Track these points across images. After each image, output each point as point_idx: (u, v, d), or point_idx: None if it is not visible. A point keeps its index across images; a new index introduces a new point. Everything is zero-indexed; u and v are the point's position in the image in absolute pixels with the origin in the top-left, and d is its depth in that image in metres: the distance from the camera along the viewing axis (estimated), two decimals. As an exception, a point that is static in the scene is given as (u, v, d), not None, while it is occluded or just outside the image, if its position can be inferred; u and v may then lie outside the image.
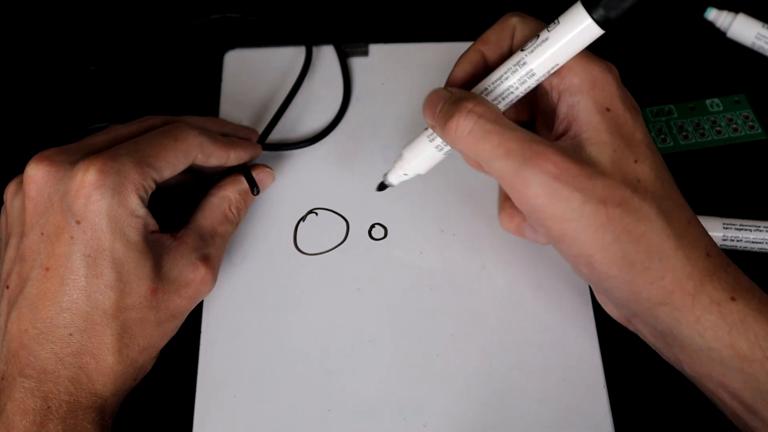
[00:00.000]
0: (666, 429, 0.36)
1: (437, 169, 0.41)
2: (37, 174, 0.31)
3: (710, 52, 0.47)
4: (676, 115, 0.44)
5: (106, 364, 0.31)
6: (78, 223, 0.31)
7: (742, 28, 0.45)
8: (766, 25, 0.45)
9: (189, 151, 0.34)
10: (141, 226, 0.32)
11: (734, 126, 0.43)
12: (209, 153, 0.36)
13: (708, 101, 0.44)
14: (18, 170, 0.35)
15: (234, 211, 0.37)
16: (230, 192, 0.37)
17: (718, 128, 0.43)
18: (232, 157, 0.37)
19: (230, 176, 0.37)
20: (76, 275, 0.31)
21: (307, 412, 0.34)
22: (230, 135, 0.39)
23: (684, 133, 0.43)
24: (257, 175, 0.38)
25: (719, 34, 0.47)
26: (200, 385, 0.35)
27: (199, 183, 0.38)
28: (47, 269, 0.31)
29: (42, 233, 0.31)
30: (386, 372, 0.35)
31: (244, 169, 0.38)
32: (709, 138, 0.43)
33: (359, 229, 0.39)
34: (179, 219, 0.35)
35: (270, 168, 0.39)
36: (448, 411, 0.35)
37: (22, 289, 0.31)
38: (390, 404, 0.35)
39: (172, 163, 0.34)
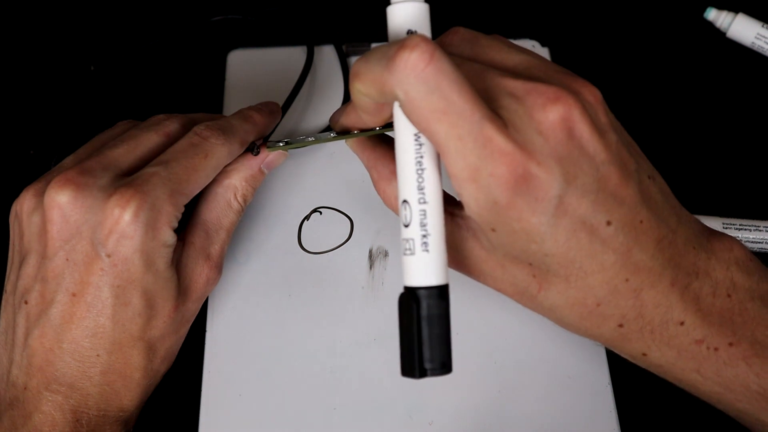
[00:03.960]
0: (671, 427, 0.36)
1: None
2: (61, 199, 0.30)
3: (710, 52, 0.47)
4: None
5: (132, 380, 0.32)
6: (109, 256, 0.30)
7: (741, 28, 0.46)
8: (765, 25, 0.45)
9: (219, 165, 0.34)
10: (169, 255, 0.32)
11: None
12: (237, 153, 0.35)
13: None
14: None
15: (239, 199, 0.35)
16: (235, 180, 0.35)
17: None
18: (258, 135, 0.36)
19: (235, 161, 0.35)
20: (104, 304, 0.30)
21: (313, 410, 0.34)
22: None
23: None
24: (267, 155, 0.36)
25: (719, 34, 0.47)
26: (206, 383, 0.35)
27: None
28: (74, 294, 0.30)
29: (67, 259, 0.30)
30: (391, 370, 0.35)
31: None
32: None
33: (363, 228, 0.39)
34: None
35: (285, 152, 0.37)
36: (454, 409, 0.35)
37: (45, 309, 0.31)
38: (395, 402, 0.35)
39: (202, 183, 0.33)
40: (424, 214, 0.27)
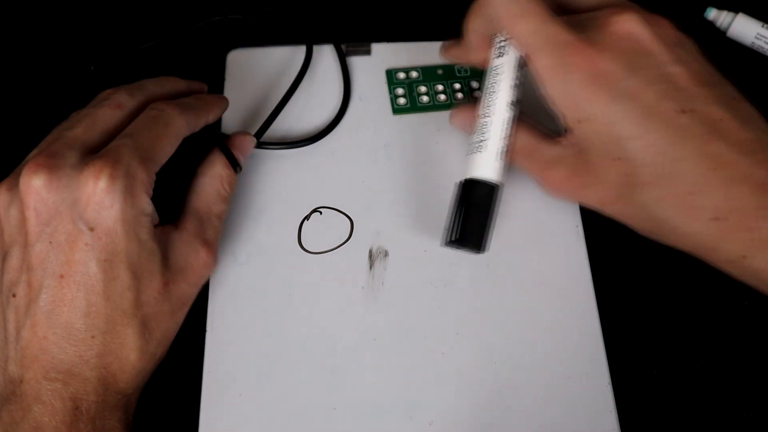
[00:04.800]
0: (671, 427, 0.36)
1: (440, 167, 0.41)
2: (36, 183, 0.30)
3: (710, 51, 0.47)
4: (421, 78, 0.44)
5: (128, 362, 0.31)
6: (92, 230, 0.30)
7: (741, 28, 0.46)
8: (766, 25, 0.45)
9: (180, 134, 0.35)
10: (150, 223, 0.32)
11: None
12: (194, 126, 0.36)
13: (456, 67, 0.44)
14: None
15: (227, 187, 0.37)
16: (219, 168, 0.37)
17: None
18: (211, 117, 0.38)
19: (215, 151, 0.37)
20: (94, 280, 0.31)
21: (313, 410, 0.34)
22: (184, 92, 0.39)
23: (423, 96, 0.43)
24: (239, 144, 0.38)
25: (719, 34, 0.47)
26: (206, 383, 0.35)
27: (178, 159, 0.38)
28: (61, 276, 0.30)
29: (51, 242, 0.30)
30: (391, 370, 0.35)
31: (225, 149, 0.38)
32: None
33: (363, 228, 0.39)
34: (167, 201, 0.35)
35: (249, 133, 0.39)
36: (454, 409, 0.35)
37: (34, 298, 0.31)
38: (395, 402, 0.35)
39: (167, 151, 0.34)
40: (485, 125, 0.35)
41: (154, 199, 0.33)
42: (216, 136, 0.39)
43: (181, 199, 0.36)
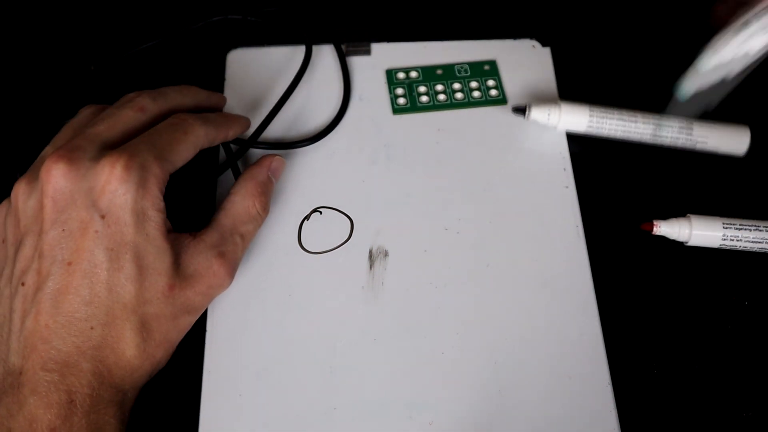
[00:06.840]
0: (671, 427, 0.36)
1: (440, 167, 0.41)
2: (56, 173, 0.31)
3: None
4: (421, 78, 0.44)
5: (125, 358, 0.31)
6: (102, 217, 0.31)
7: (741, 29, 0.46)
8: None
9: (198, 143, 0.35)
10: (161, 221, 0.33)
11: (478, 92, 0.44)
12: (213, 138, 0.37)
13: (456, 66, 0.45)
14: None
15: (258, 206, 0.37)
16: (251, 187, 0.37)
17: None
18: (231, 134, 0.39)
19: (248, 171, 0.38)
20: (99, 268, 0.31)
21: (313, 410, 0.34)
22: (205, 105, 0.40)
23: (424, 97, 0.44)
24: (274, 168, 0.39)
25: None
26: (206, 383, 0.35)
27: (207, 178, 0.39)
28: (69, 263, 0.31)
29: (63, 230, 0.31)
30: (391, 370, 0.35)
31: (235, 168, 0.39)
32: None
33: (363, 228, 0.39)
34: (196, 219, 0.36)
35: (280, 156, 0.40)
36: (454, 409, 0.35)
37: (41, 285, 0.31)
38: (395, 402, 0.35)
39: (184, 156, 0.35)
40: None
41: (170, 210, 0.34)
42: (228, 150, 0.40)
43: (200, 214, 0.37)
